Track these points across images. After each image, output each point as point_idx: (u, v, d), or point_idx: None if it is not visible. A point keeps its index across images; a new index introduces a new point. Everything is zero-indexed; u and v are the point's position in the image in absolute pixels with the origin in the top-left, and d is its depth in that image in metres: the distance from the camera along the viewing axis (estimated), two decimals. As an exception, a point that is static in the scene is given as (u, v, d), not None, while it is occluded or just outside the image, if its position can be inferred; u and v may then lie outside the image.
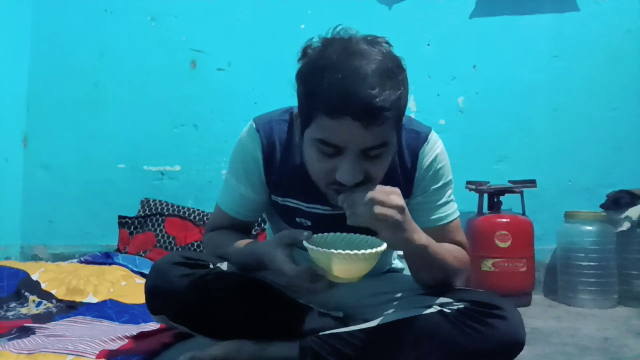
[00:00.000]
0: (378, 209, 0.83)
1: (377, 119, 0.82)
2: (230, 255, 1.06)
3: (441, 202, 1.05)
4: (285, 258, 0.91)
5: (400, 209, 0.85)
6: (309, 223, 1.07)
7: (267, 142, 1.05)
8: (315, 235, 0.92)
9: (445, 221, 1.05)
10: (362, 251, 0.83)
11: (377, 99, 0.81)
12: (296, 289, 0.95)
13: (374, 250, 0.84)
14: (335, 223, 1.05)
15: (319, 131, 0.87)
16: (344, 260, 0.83)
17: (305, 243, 0.87)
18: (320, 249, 0.84)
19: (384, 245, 0.87)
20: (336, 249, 0.83)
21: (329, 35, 0.90)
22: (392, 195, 0.85)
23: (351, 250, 0.84)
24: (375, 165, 0.89)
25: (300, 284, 0.91)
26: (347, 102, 0.81)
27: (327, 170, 0.89)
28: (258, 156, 1.05)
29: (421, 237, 0.91)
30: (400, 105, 0.86)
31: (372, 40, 0.89)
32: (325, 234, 0.95)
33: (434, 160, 1.03)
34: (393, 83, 0.84)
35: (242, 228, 1.15)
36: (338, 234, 0.96)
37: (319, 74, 0.85)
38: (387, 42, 0.90)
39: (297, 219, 1.08)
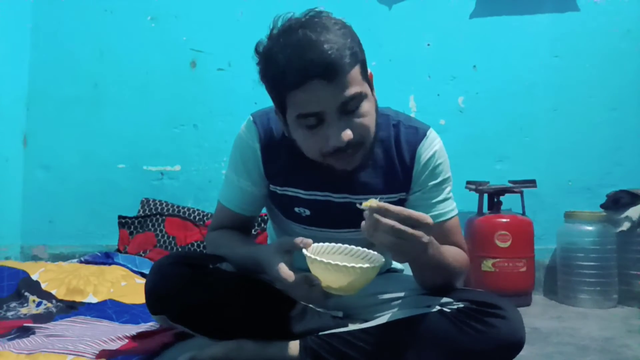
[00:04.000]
0: (399, 243, 0.80)
1: (339, 69, 0.86)
2: (231, 257, 1.06)
3: (439, 198, 1.05)
4: (283, 265, 0.90)
5: (422, 247, 0.82)
6: (308, 212, 1.07)
7: (264, 133, 1.06)
8: (315, 244, 0.91)
9: (443, 218, 1.05)
10: (360, 265, 0.82)
11: (331, 52, 0.85)
12: (293, 296, 0.95)
13: (372, 265, 0.83)
14: (334, 211, 1.05)
15: (295, 109, 0.90)
16: (341, 272, 0.82)
17: (304, 251, 0.87)
18: (318, 258, 0.83)
19: (383, 260, 0.88)
20: (335, 261, 0.82)
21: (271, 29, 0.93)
22: (417, 232, 0.80)
23: (350, 263, 0.82)
24: (361, 119, 0.90)
25: (297, 292, 0.91)
26: (306, 67, 0.85)
27: (318, 142, 0.91)
28: (256, 147, 1.07)
29: (433, 247, 0.90)
30: (356, 52, 0.89)
31: (310, 13, 0.92)
32: (326, 244, 0.94)
33: (433, 156, 1.04)
34: (339, 35, 0.88)
35: (244, 225, 1.16)
36: (339, 245, 0.95)
37: (273, 60, 0.89)
38: (324, 12, 0.92)
39: (296, 209, 1.08)
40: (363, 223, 0.82)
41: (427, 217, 0.81)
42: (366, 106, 0.91)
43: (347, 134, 0.88)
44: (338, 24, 0.90)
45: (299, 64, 0.85)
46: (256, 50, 0.94)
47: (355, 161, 0.94)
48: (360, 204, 0.81)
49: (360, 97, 0.89)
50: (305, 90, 0.86)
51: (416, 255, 0.85)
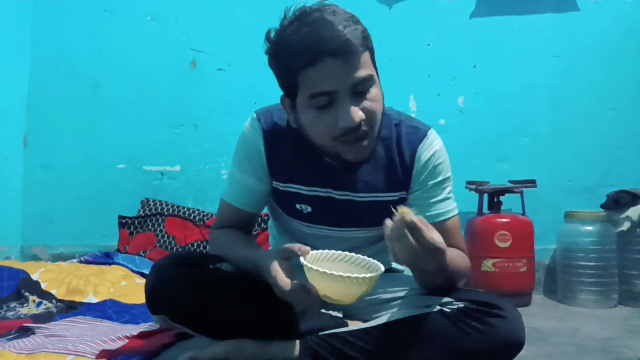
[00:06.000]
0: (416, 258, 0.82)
1: (352, 49, 0.88)
2: (232, 259, 1.07)
3: (439, 198, 1.06)
4: (281, 273, 0.90)
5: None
6: (309, 209, 1.08)
7: (268, 129, 1.07)
8: (313, 252, 0.90)
9: (443, 217, 1.05)
10: (356, 275, 0.80)
11: (346, 33, 0.87)
12: (290, 302, 0.95)
13: (369, 275, 0.81)
14: (335, 208, 1.06)
15: (307, 88, 0.91)
16: (337, 282, 0.80)
17: (301, 259, 0.86)
18: (314, 267, 0.81)
19: (382, 270, 0.86)
20: (334, 269, 0.80)
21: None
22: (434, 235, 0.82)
23: (349, 271, 0.81)
24: (370, 102, 0.92)
25: (294, 299, 0.90)
26: (320, 44, 0.87)
27: (328, 124, 0.92)
28: (260, 143, 1.07)
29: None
30: (368, 40, 0.93)
31: (322, 3, 0.94)
32: (325, 251, 0.92)
33: (432, 156, 1.05)
34: (353, 21, 0.91)
35: (246, 222, 1.16)
36: (338, 252, 0.93)
37: (285, 41, 0.91)
38: (334, 5, 0.95)
39: (297, 206, 1.09)
40: (388, 221, 0.82)
41: (444, 244, 0.83)
42: (376, 91, 0.93)
43: (359, 114, 0.89)
44: (349, 13, 0.93)
45: (313, 41, 0.87)
46: (267, 37, 0.96)
47: (364, 151, 0.95)
48: (396, 209, 0.81)
49: (371, 80, 0.91)
50: (319, 68, 0.88)
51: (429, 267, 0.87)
